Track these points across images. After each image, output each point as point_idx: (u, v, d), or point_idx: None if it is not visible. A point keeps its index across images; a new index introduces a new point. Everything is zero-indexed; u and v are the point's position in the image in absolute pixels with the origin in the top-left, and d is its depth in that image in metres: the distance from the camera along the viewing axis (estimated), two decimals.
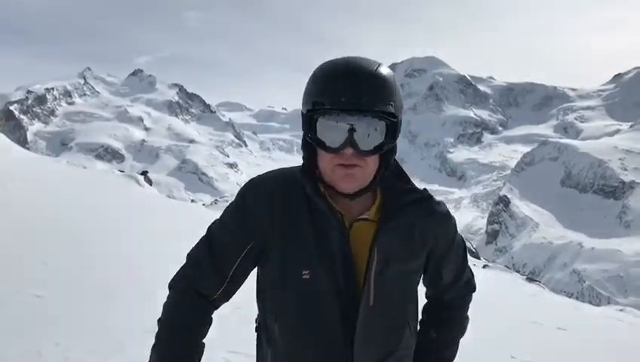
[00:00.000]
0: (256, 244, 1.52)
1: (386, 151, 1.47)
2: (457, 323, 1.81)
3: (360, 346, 1.47)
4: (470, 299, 1.83)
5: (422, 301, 1.78)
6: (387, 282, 1.50)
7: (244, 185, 1.59)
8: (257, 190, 1.54)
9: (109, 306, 5.27)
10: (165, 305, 1.56)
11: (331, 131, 1.40)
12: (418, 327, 1.77)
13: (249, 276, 1.62)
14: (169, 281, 1.59)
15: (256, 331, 1.67)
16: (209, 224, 1.61)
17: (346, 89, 1.37)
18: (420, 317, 1.77)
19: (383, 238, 1.49)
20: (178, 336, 1.51)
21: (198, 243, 1.60)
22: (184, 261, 1.61)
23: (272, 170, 1.61)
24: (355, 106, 1.37)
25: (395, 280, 1.52)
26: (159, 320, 1.54)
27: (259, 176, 1.59)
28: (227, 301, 1.61)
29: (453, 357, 1.81)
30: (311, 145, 1.49)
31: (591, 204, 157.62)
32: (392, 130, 1.43)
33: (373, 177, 1.50)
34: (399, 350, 1.58)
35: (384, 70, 1.44)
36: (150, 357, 1.51)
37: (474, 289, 1.83)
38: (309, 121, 1.43)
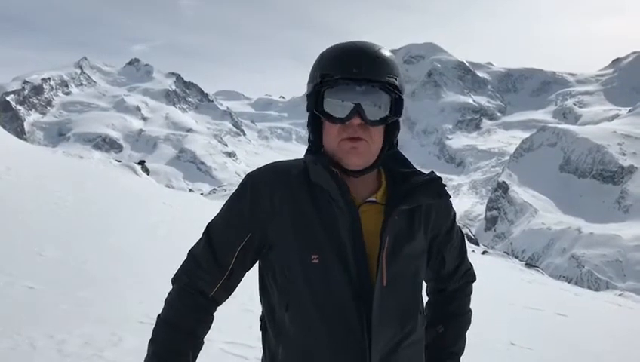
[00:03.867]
0: (256, 235, 1.52)
1: (390, 128, 1.51)
2: (463, 316, 1.82)
3: (377, 327, 1.47)
4: (471, 290, 1.85)
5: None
6: (399, 263, 1.51)
7: (244, 177, 1.60)
8: (255, 181, 1.55)
9: (105, 297, 5.21)
10: (165, 301, 1.57)
11: (339, 102, 1.43)
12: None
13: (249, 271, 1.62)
14: (172, 277, 1.60)
15: (261, 329, 1.64)
16: (206, 214, 1.58)
17: (357, 61, 1.42)
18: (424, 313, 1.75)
19: (393, 221, 1.50)
20: (174, 332, 1.52)
21: (199, 239, 1.61)
22: (183, 254, 1.63)
23: (271, 162, 1.62)
24: (365, 75, 1.41)
25: (405, 262, 1.54)
26: (158, 316, 1.55)
27: (257, 168, 1.61)
28: (228, 296, 1.61)
29: (462, 351, 1.81)
30: (317, 126, 1.52)
31: (590, 189, 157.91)
32: (397, 104, 1.47)
33: (377, 156, 1.52)
34: (413, 335, 1.57)
35: (388, 51, 1.50)
36: (147, 351, 1.52)
37: (474, 279, 1.85)
38: (315, 96, 1.46)
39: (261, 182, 1.53)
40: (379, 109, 1.44)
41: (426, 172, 1.64)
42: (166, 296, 1.58)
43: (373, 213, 1.52)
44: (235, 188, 1.60)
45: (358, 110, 1.42)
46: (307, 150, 1.60)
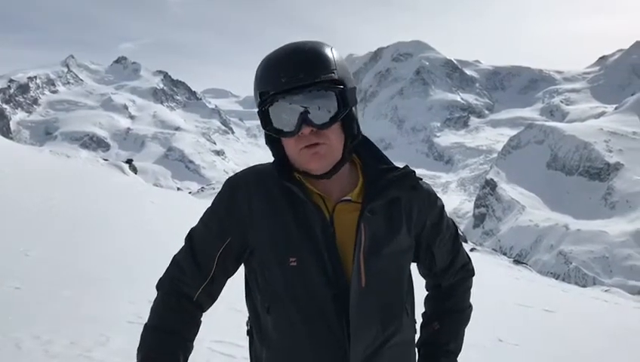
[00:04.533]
0: (235, 240, 1.52)
1: (346, 121, 1.47)
2: (460, 313, 1.77)
3: (356, 328, 1.45)
4: (470, 285, 1.80)
5: (420, 294, 1.74)
6: (377, 262, 1.49)
7: (224, 183, 1.61)
8: (234, 185, 1.55)
9: (92, 297, 5.17)
10: (151, 309, 1.57)
11: (284, 115, 1.41)
12: (421, 320, 1.76)
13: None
14: (156, 283, 1.60)
15: (247, 334, 1.65)
16: (194, 212, 1.61)
17: (283, 69, 1.38)
18: (417, 308, 1.73)
19: (368, 217, 1.49)
20: (162, 335, 1.51)
21: (182, 246, 1.61)
22: (172, 253, 1.64)
23: (250, 166, 1.62)
24: (295, 83, 1.37)
25: (385, 260, 1.51)
26: (145, 324, 1.55)
27: (235, 173, 1.62)
28: (212, 302, 1.60)
29: (459, 349, 1.76)
30: (275, 140, 1.51)
31: (577, 186, 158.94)
32: (343, 97, 1.42)
33: (342, 152, 1.50)
34: (398, 336, 1.55)
35: (320, 45, 1.45)
36: (136, 358, 1.51)
37: (472, 274, 1.80)
38: (263, 115, 1.44)
39: (239, 187, 1.54)
40: (326, 111, 1.41)
41: (404, 167, 1.61)
42: (152, 302, 1.58)
43: (349, 212, 1.50)
44: (217, 194, 1.60)
45: (304, 119, 1.39)
46: (273, 162, 1.58)
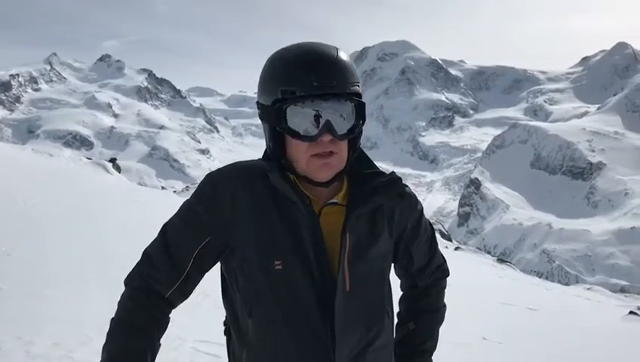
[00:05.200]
0: (215, 239, 1.47)
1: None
2: (435, 313, 1.78)
3: (341, 332, 1.44)
4: (445, 285, 1.82)
5: (397, 294, 1.74)
6: (362, 267, 1.49)
7: (203, 178, 1.55)
8: (215, 182, 1.50)
9: (74, 297, 5.12)
10: (118, 303, 1.50)
11: (306, 119, 1.37)
12: (396, 320, 1.75)
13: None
14: (124, 278, 1.52)
15: (225, 334, 1.62)
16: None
17: (318, 73, 1.35)
18: (396, 309, 1.74)
19: (354, 222, 1.47)
20: (129, 332, 1.44)
21: (154, 239, 1.55)
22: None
23: (232, 163, 1.57)
24: (329, 90, 1.35)
25: (368, 264, 1.51)
26: (112, 318, 1.48)
27: (217, 169, 1.56)
28: (184, 299, 1.55)
29: (434, 348, 1.78)
30: (278, 136, 1.45)
31: (560, 185, 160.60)
32: (362, 111, 1.43)
33: (345, 163, 1.49)
34: (380, 338, 1.55)
35: (346, 54, 1.42)
36: (101, 355, 1.44)
37: (447, 274, 1.81)
38: (276, 111, 1.39)
39: (221, 184, 1.48)
40: (346, 121, 1.40)
41: (389, 171, 1.61)
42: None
43: (336, 215, 1.49)
44: (195, 189, 1.53)
45: (329, 126, 1.37)
46: (264, 155, 1.55)
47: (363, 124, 1.44)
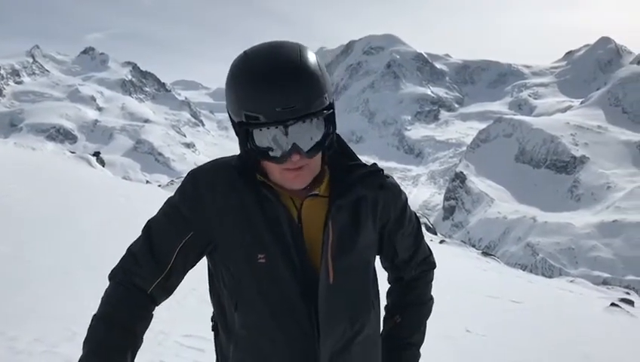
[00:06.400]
0: (198, 235, 1.48)
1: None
2: (421, 306, 1.78)
3: (325, 324, 1.46)
4: (432, 277, 1.81)
5: (384, 287, 1.75)
6: (345, 259, 1.49)
7: (186, 175, 1.55)
8: (198, 179, 1.50)
9: (58, 292, 5.09)
10: (101, 299, 1.50)
11: (272, 142, 1.35)
12: (383, 313, 1.75)
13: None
14: (108, 274, 1.53)
15: (213, 330, 1.63)
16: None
17: (276, 98, 1.29)
18: (382, 302, 1.74)
19: (335, 214, 1.47)
20: (111, 328, 1.43)
21: (138, 236, 1.55)
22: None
23: (214, 159, 1.57)
24: (292, 115, 1.30)
25: (352, 256, 1.51)
26: (94, 314, 1.47)
27: (200, 165, 1.56)
28: (167, 296, 1.55)
29: (421, 341, 1.78)
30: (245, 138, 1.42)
31: (544, 178, 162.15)
32: (332, 120, 1.40)
33: (321, 165, 1.49)
34: (366, 330, 1.56)
35: (309, 57, 1.35)
36: (82, 350, 1.43)
37: (434, 266, 1.81)
38: (244, 132, 1.38)
39: (204, 181, 1.49)
40: (315, 137, 1.37)
41: (371, 163, 1.60)
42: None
43: (317, 208, 1.49)
44: (178, 186, 1.54)
45: (296, 148, 1.34)
46: (236, 161, 1.50)
47: (334, 131, 1.42)
